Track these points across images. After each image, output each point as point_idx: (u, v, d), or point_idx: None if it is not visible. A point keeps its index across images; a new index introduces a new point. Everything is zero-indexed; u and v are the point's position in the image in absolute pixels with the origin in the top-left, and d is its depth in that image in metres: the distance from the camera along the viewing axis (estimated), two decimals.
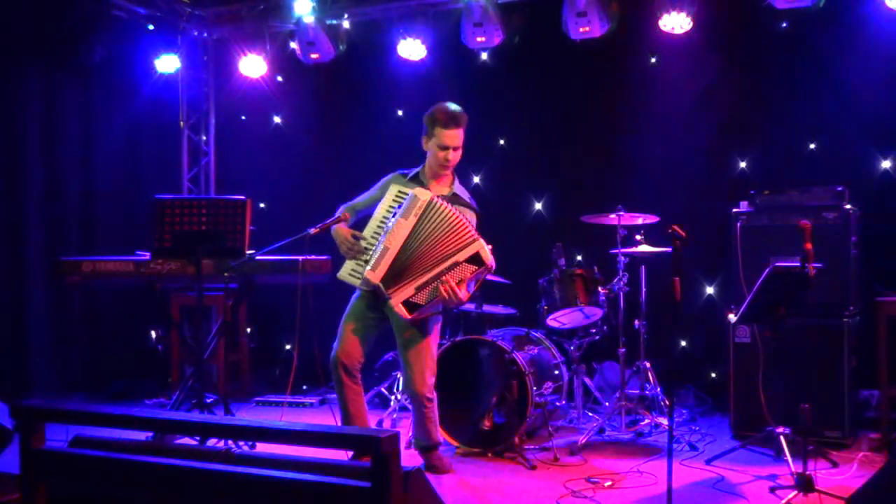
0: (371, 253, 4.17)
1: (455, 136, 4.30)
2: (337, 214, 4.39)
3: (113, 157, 7.02)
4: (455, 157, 4.33)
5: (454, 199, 4.33)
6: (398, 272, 4.10)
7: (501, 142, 6.81)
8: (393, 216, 4.17)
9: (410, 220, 4.10)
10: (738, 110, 6.12)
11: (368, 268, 4.12)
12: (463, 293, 4.07)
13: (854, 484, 3.99)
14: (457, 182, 4.46)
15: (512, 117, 6.77)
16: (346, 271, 4.28)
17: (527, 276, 5.60)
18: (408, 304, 4.07)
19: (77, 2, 6.46)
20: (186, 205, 4.83)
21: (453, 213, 4.09)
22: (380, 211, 4.28)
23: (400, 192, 4.26)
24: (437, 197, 4.15)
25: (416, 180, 4.39)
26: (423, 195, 4.12)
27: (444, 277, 4.02)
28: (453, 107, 4.34)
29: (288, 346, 7.26)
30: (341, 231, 4.27)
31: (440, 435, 4.56)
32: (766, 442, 4.66)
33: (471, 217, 4.30)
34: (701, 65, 6.17)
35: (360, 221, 4.42)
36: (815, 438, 4.55)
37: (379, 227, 4.24)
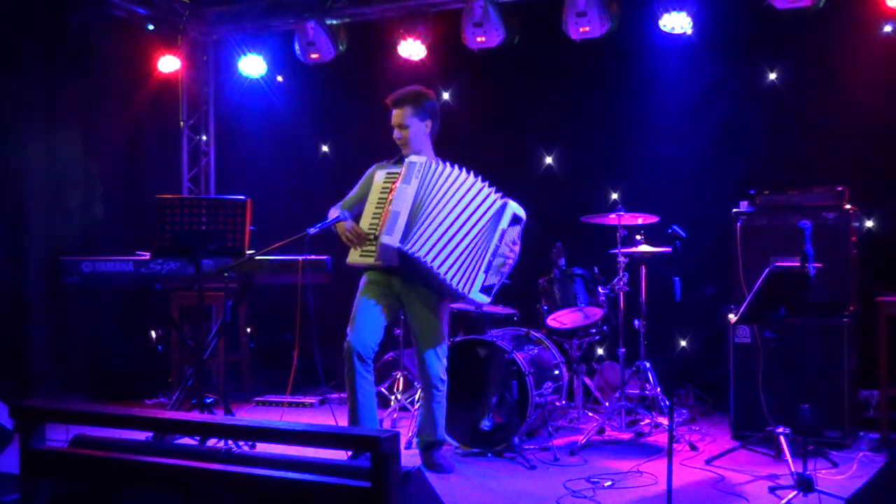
0: (380, 228, 4.19)
1: (395, 116, 4.45)
2: (329, 216, 4.43)
3: (113, 157, 7.02)
4: (401, 135, 4.43)
5: None
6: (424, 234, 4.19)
7: (501, 141, 6.80)
8: (390, 191, 4.25)
9: (413, 184, 4.21)
10: (738, 110, 6.11)
11: (384, 235, 4.14)
12: (518, 249, 4.37)
13: (854, 484, 3.99)
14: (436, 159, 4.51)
15: (511, 117, 6.76)
16: (356, 254, 4.29)
17: (527, 276, 5.59)
18: (485, 289, 4.26)
19: (78, 2, 6.46)
20: (186, 205, 4.84)
21: (456, 173, 4.27)
22: (373, 196, 4.32)
23: (389, 173, 4.33)
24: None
25: (399, 164, 4.44)
26: (419, 159, 4.27)
27: (501, 251, 4.26)
28: (403, 88, 4.51)
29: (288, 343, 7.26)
30: (342, 224, 4.29)
31: (444, 432, 4.56)
32: (766, 442, 4.66)
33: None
34: (701, 64, 6.17)
35: (354, 219, 4.42)
36: (815, 438, 4.55)
37: (377, 210, 4.26)
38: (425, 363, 4.40)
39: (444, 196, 4.23)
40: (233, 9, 7.14)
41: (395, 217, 4.15)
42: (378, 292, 4.37)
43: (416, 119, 4.40)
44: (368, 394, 4.33)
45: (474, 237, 4.24)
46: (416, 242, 4.14)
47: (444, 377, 4.45)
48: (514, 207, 4.30)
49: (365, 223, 4.27)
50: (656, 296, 5.44)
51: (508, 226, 4.27)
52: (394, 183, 4.26)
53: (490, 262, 4.24)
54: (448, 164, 4.31)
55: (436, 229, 4.18)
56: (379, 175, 4.37)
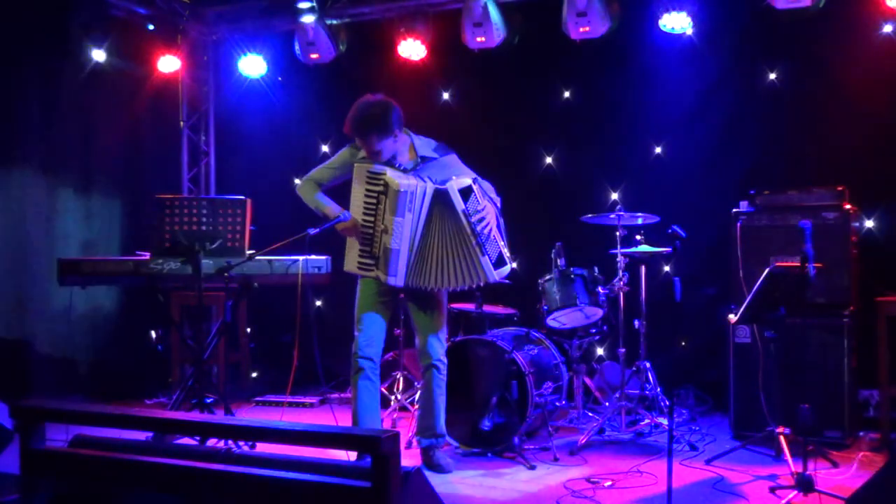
0: (376, 250, 4.25)
1: (361, 144, 4.31)
2: (298, 192, 4.52)
3: (113, 157, 7.02)
4: (376, 158, 4.31)
5: (424, 161, 4.40)
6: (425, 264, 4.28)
7: (501, 141, 6.80)
8: (377, 203, 4.25)
9: (408, 217, 4.23)
10: (738, 110, 6.11)
11: (388, 276, 4.25)
12: (489, 205, 4.35)
13: (854, 484, 3.99)
14: (416, 141, 4.45)
15: (512, 117, 6.76)
16: (353, 263, 4.35)
17: (527, 276, 5.59)
18: (497, 263, 4.34)
19: (77, 2, 6.46)
20: (186, 205, 4.84)
21: (422, 186, 4.25)
22: (358, 196, 4.31)
23: (371, 174, 4.28)
24: (411, 178, 4.26)
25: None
26: (408, 185, 4.22)
27: (476, 223, 4.26)
28: (359, 114, 4.26)
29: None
30: (342, 224, 4.31)
31: (444, 425, 4.57)
32: (766, 442, 4.66)
33: (453, 160, 4.47)
34: (701, 64, 6.17)
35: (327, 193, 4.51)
36: (815, 438, 4.55)
37: (366, 218, 4.28)
38: (427, 345, 4.48)
39: (429, 219, 4.28)
40: (233, 9, 7.13)
41: (396, 256, 4.23)
42: (378, 289, 4.41)
43: (385, 140, 4.25)
44: (373, 395, 4.39)
45: (456, 239, 4.29)
46: (420, 279, 4.27)
47: (445, 360, 4.52)
48: (454, 185, 4.27)
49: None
50: (656, 296, 5.45)
51: (465, 203, 4.27)
52: (381, 195, 4.24)
53: (480, 242, 4.28)
54: (420, 176, 4.31)
55: (434, 258, 4.28)
56: (358, 176, 4.31)
